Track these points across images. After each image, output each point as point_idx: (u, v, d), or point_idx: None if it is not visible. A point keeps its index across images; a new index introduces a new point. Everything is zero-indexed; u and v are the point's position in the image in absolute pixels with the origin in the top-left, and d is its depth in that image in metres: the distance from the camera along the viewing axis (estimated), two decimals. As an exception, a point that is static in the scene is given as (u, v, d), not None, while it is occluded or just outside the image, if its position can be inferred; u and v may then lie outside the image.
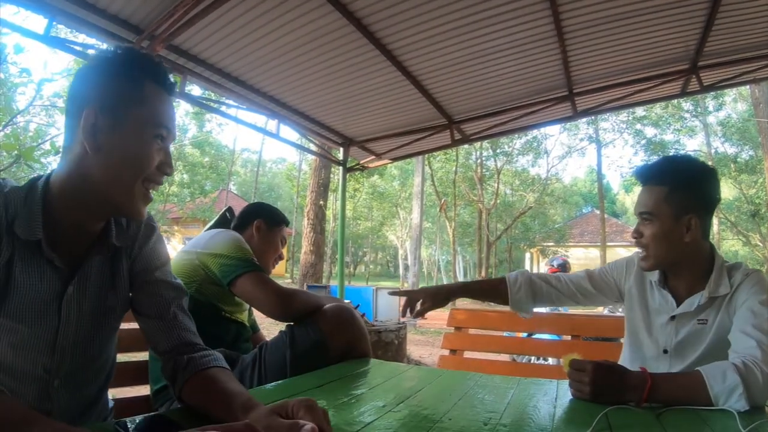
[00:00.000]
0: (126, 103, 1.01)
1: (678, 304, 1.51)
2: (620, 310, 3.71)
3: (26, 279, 0.99)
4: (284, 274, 30.63)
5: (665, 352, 1.52)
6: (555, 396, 1.31)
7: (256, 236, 2.12)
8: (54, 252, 1.01)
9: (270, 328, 4.99)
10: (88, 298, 1.09)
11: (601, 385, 1.20)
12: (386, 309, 6.89)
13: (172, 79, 1.09)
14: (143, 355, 1.89)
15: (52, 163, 9.68)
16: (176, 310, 1.17)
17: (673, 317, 1.51)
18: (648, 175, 1.51)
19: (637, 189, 1.48)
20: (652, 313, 1.59)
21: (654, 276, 1.59)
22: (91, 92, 1.01)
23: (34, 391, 1.03)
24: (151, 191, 1.07)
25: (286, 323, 1.79)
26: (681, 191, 1.44)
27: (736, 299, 1.42)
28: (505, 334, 3.36)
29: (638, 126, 24.10)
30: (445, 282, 38.43)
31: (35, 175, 1.06)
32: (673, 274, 1.55)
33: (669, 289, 1.55)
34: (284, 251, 2.24)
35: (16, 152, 6.72)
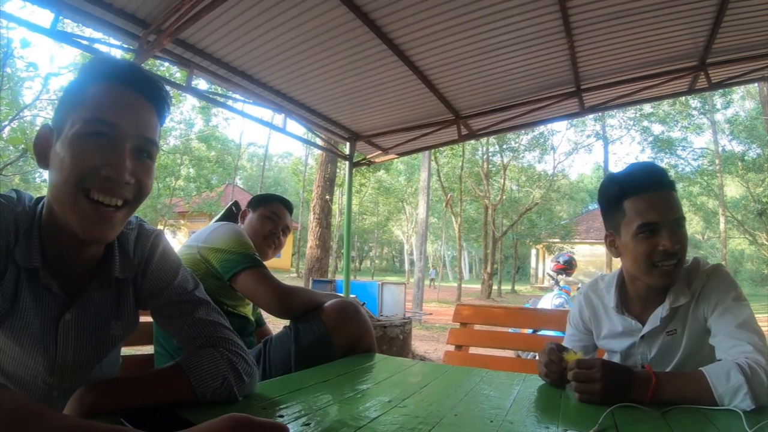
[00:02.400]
0: (66, 110, 0.93)
1: (642, 322, 1.49)
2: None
3: (25, 302, 0.96)
4: (290, 269, 30.71)
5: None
6: (560, 392, 1.30)
7: (245, 223, 2.18)
8: (53, 278, 0.98)
9: (276, 322, 4.99)
10: (88, 326, 1.06)
11: (610, 384, 1.18)
12: (391, 304, 6.89)
13: (144, 74, 0.97)
14: (148, 349, 1.90)
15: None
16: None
17: (642, 337, 1.49)
18: (663, 180, 1.43)
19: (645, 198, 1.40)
20: (618, 337, 1.56)
21: (610, 301, 1.56)
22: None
23: (34, 397, 1.01)
24: (106, 206, 0.92)
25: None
26: (676, 193, 1.45)
27: (705, 302, 1.40)
28: (510, 330, 3.36)
29: (645, 123, 24.01)
30: (450, 278, 38.35)
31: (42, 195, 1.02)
32: (635, 291, 1.51)
33: (627, 310, 1.53)
34: (279, 228, 2.19)
35: (22, 146, 6.77)
